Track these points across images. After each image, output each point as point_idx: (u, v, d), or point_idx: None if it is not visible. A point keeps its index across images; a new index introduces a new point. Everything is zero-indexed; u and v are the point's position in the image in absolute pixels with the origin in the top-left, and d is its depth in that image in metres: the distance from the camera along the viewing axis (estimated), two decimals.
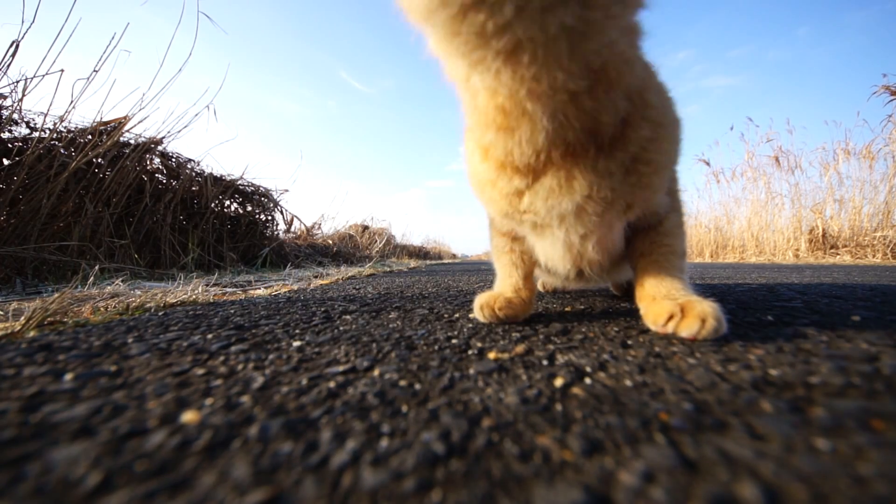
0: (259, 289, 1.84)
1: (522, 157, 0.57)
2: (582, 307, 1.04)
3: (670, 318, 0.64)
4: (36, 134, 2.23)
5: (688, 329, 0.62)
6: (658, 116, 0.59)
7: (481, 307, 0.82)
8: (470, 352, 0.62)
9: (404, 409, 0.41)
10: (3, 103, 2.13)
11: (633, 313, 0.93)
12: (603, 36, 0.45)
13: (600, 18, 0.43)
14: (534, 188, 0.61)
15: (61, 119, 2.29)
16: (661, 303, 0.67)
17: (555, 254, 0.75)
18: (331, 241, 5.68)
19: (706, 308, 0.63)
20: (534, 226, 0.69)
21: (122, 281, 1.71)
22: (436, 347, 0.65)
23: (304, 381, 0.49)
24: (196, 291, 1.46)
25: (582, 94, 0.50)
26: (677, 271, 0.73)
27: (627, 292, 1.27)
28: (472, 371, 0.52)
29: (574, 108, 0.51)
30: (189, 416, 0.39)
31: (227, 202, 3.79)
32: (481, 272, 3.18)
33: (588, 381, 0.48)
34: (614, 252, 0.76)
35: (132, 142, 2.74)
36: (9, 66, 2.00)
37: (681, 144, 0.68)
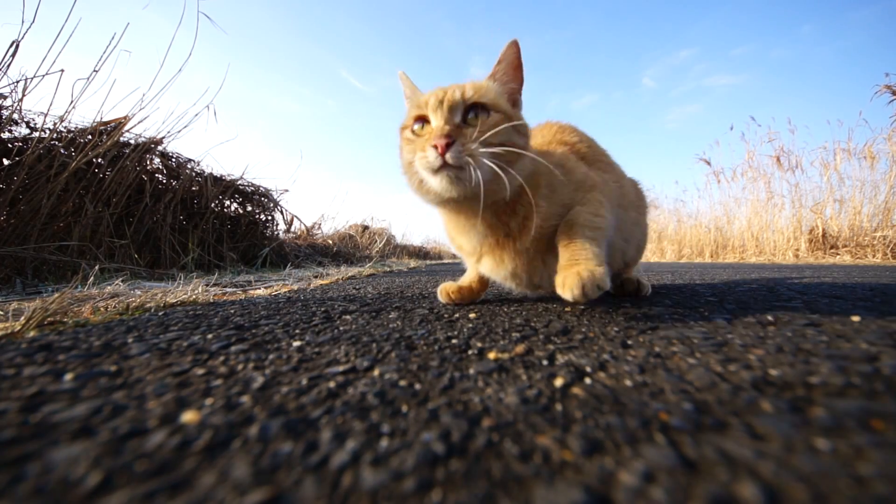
0: (259, 289, 1.84)
1: (473, 249, 1.01)
2: (582, 307, 1.04)
3: (561, 284, 0.80)
4: (36, 134, 2.23)
5: (568, 293, 0.78)
6: (545, 203, 0.94)
7: (440, 291, 1.16)
8: (470, 352, 0.62)
9: (404, 409, 0.41)
10: (3, 103, 2.13)
11: (634, 313, 0.93)
12: (506, 194, 0.86)
13: (501, 191, 0.84)
14: (481, 262, 1.03)
15: (61, 119, 2.29)
16: (562, 269, 0.84)
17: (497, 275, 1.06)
18: (331, 241, 5.68)
19: (574, 278, 0.77)
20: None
21: (122, 281, 1.71)
22: (436, 347, 0.65)
23: (304, 381, 0.49)
24: (196, 291, 1.46)
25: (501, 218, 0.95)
26: (580, 237, 0.88)
27: (625, 290, 1.29)
28: (472, 371, 0.52)
29: (495, 224, 0.95)
30: (189, 416, 0.39)
31: (227, 202, 3.79)
32: None
33: (588, 381, 0.48)
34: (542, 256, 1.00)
35: (132, 142, 2.74)
36: (9, 66, 2.00)
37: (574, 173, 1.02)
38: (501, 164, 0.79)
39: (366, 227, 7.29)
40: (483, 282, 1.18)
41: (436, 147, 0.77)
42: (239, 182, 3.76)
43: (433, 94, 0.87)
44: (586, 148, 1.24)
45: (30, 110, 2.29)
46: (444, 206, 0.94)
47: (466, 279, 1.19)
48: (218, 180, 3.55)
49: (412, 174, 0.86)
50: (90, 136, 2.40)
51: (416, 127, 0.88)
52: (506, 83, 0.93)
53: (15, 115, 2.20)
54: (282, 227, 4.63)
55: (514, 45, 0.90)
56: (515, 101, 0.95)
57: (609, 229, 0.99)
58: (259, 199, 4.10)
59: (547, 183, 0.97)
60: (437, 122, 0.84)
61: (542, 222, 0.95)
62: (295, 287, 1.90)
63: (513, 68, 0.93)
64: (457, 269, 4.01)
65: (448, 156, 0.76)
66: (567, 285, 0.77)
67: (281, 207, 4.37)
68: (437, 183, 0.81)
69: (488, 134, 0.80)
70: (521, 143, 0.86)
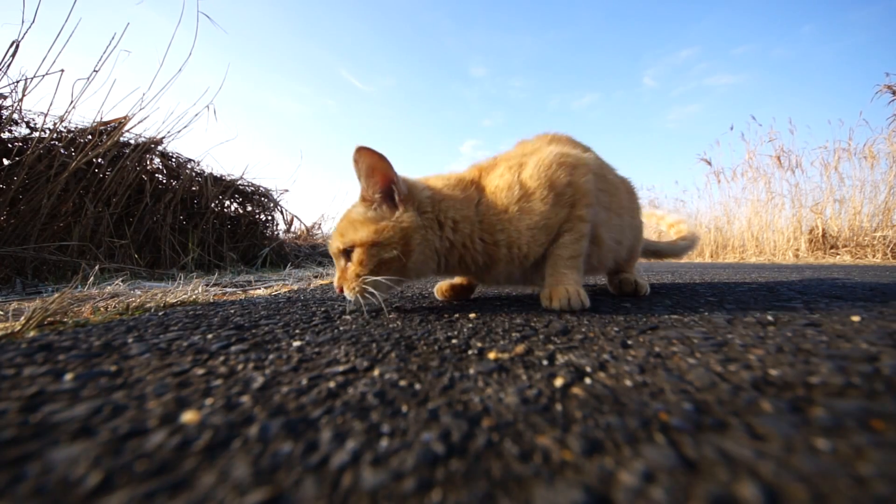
0: (259, 289, 1.84)
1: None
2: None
3: (547, 298, 1.03)
4: (36, 134, 2.23)
5: (556, 304, 1.00)
6: (507, 236, 1.03)
7: (436, 290, 1.29)
8: (470, 352, 0.62)
9: (404, 409, 0.41)
10: (3, 103, 2.13)
11: (634, 313, 0.93)
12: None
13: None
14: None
15: (61, 119, 2.29)
16: (547, 289, 1.04)
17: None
18: None
19: (562, 292, 1.00)
20: None
21: (122, 281, 1.71)
22: (436, 347, 0.65)
23: (304, 381, 0.49)
24: (196, 291, 1.46)
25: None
26: (563, 268, 1.06)
27: (622, 290, 1.32)
28: (472, 371, 0.52)
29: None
30: (189, 416, 0.39)
31: (227, 202, 3.79)
32: None
33: (588, 381, 0.48)
34: (529, 272, 1.14)
35: (132, 142, 2.74)
36: (9, 66, 2.00)
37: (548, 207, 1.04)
38: (383, 280, 0.94)
39: None
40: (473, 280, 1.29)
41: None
42: (239, 182, 3.76)
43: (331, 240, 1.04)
44: None
45: (30, 110, 2.29)
46: None
47: (458, 277, 1.29)
48: (218, 180, 3.55)
49: None
50: (90, 136, 2.40)
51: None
52: (376, 189, 0.97)
53: (15, 115, 2.20)
54: (282, 227, 4.63)
55: (364, 156, 0.93)
56: (391, 192, 0.97)
57: (586, 249, 1.11)
58: (259, 199, 4.09)
59: (497, 215, 1.03)
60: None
61: (512, 250, 1.03)
62: (295, 287, 1.90)
63: (374, 173, 0.95)
64: None
65: (345, 294, 0.97)
66: (555, 298, 1.00)
67: (281, 207, 4.37)
68: None
69: (361, 272, 0.94)
70: (392, 255, 0.94)
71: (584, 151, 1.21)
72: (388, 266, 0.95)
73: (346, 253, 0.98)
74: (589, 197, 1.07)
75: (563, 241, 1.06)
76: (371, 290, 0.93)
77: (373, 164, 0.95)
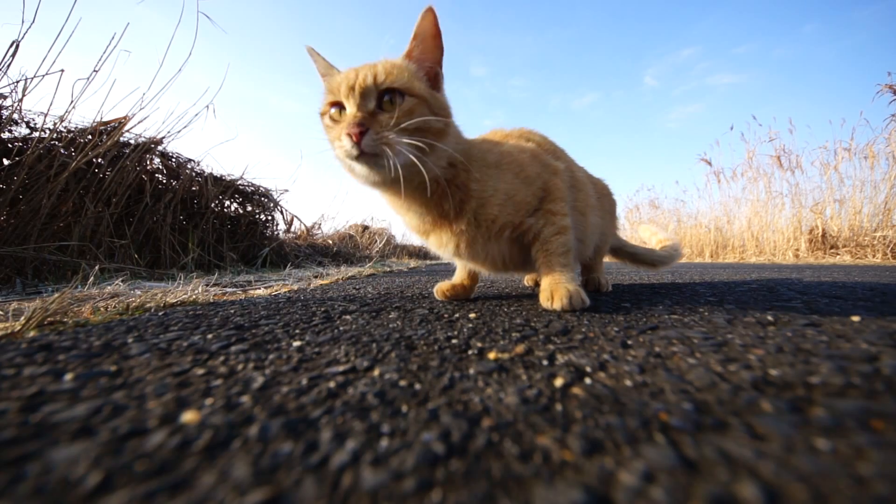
0: (259, 289, 1.84)
1: (418, 227, 1.05)
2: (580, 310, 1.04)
3: (548, 299, 0.98)
4: (36, 134, 2.23)
5: (557, 304, 0.95)
6: (477, 186, 0.97)
7: (436, 290, 1.27)
8: (470, 352, 0.62)
9: (404, 409, 0.41)
10: (3, 103, 2.13)
11: (634, 313, 0.93)
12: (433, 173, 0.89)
13: (431, 170, 0.87)
14: (429, 239, 1.07)
15: (61, 119, 2.28)
16: (546, 290, 1.00)
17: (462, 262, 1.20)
18: (331, 241, 5.67)
19: (563, 291, 0.96)
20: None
21: (122, 281, 1.71)
22: (436, 347, 0.65)
23: (304, 381, 0.49)
24: (196, 291, 1.46)
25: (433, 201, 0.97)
26: (558, 266, 1.04)
27: (586, 287, 1.44)
28: (472, 371, 0.52)
29: (429, 205, 0.98)
30: (189, 416, 0.39)
31: (227, 202, 3.78)
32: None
33: (588, 381, 0.48)
34: (508, 255, 1.10)
35: (132, 142, 2.74)
36: (9, 66, 1.99)
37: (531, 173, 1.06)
38: (419, 150, 0.80)
39: (366, 227, 7.29)
40: (473, 278, 1.29)
41: (350, 136, 0.77)
42: (239, 182, 3.76)
43: (345, 77, 0.83)
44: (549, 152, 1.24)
45: (30, 110, 2.29)
46: (375, 188, 0.94)
47: (458, 278, 1.29)
48: (218, 180, 3.54)
49: (342, 160, 0.86)
50: (90, 136, 2.40)
51: (334, 112, 0.86)
52: (423, 60, 0.89)
53: (15, 115, 2.20)
54: (282, 227, 4.63)
55: (430, 15, 0.84)
56: (436, 76, 0.92)
57: (573, 242, 1.11)
58: (259, 199, 4.09)
59: (481, 167, 0.99)
60: (350, 108, 0.82)
61: (484, 210, 0.98)
62: (295, 287, 1.90)
63: (430, 42, 0.88)
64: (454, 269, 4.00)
65: (363, 144, 0.77)
66: (556, 298, 0.96)
67: (281, 207, 4.37)
68: (360, 169, 0.83)
69: (405, 123, 0.80)
70: (438, 126, 0.85)
71: (555, 157, 1.22)
72: (424, 142, 0.80)
73: (385, 94, 0.81)
74: (558, 193, 1.08)
75: (545, 235, 1.04)
76: (407, 152, 0.78)
77: (434, 33, 0.87)
